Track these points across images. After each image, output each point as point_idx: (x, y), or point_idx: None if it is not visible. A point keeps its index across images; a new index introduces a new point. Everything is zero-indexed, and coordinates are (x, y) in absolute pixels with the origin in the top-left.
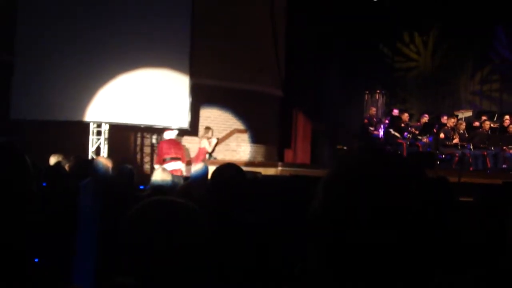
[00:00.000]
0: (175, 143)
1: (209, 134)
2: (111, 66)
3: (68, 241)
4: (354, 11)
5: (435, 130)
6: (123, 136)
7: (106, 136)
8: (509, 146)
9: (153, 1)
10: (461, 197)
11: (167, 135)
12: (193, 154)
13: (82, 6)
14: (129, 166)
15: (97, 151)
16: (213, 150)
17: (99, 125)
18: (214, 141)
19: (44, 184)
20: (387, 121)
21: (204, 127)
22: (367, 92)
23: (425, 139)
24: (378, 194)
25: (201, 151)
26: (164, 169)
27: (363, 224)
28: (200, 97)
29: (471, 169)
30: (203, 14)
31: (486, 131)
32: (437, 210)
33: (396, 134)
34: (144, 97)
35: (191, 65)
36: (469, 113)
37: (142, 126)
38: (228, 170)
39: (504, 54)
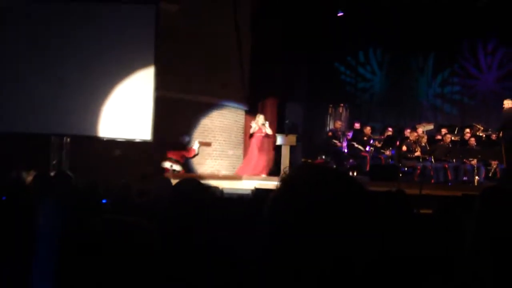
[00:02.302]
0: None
1: (258, 119)
2: (73, 78)
3: (27, 258)
4: (316, 29)
5: (397, 143)
6: (87, 149)
7: (68, 149)
8: (470, 159)
9: (117, 14)
10: (422, 209)
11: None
12: None
13: (45, 19)
14: (92, 180)
15: (59, 164)
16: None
17: (61, 138)
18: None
19: (3, 198)
20: (350, 134)
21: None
22: (331, 105)
23: (387, 152)
24: (318, 214)
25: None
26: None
27: (306, 244)
28: (164, 110)
29: (432, 181)
30: (168, 28)
31: (447, 144)
32: (390, 223)
33: (359, 147)
34: (107, 109)
35: (155, 78)
36: (430, 126)
37: (104, 139)
38: (188, 184)
39: (469, 69)
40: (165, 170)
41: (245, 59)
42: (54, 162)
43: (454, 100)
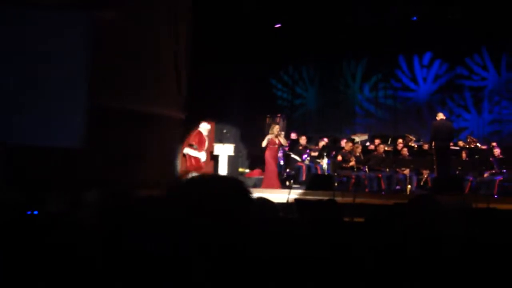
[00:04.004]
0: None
1: (273, 130)
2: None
3: None
4: (253, 46)
5: (333, 153)
6: (23, 158)
7: (2, 158)
8: (402, 168)
9: (49, 20)
10: (355, 217)
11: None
12: None
13: None
14: (20, 192)
15: None
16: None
17: None
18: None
19: None
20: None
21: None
22: (269, 116)
23: (323, 162)
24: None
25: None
26: None
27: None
28: (98, 118)
29: (366, 190)
30: (105, 34)
31: (380, 154)
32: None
33: (295, 157)
34: (39, 117)
35: (89, 85)
36: (365, 137)
37: (33, 146)
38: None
39: (405, 82)
40: None
41: (183, 68)
42: None
43: (387, 105)
